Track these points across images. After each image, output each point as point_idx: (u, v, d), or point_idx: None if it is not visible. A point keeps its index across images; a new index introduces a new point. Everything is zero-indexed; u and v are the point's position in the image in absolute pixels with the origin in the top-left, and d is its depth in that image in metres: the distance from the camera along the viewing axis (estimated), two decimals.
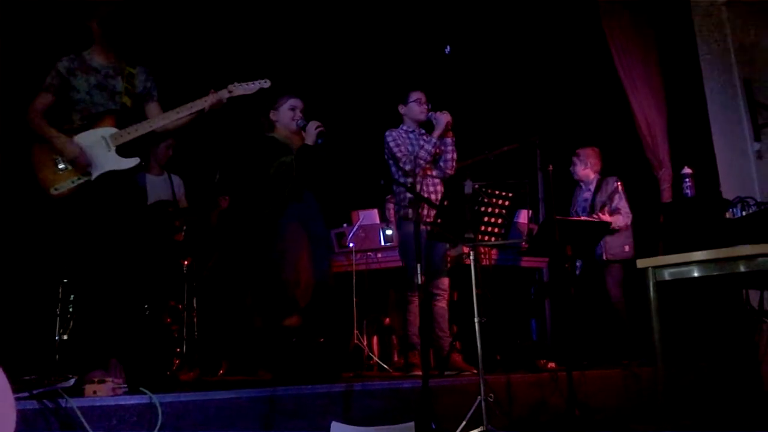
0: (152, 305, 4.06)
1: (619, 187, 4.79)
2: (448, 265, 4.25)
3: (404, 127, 4.30)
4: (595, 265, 4.89)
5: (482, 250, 4.50)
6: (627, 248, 4.85)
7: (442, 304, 4.10)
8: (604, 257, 4.83)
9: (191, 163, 5.10)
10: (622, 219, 4.81)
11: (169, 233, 4.48)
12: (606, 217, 4.72)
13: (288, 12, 5.81)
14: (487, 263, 4.68)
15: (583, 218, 4.80)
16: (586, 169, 5.04)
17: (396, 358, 5.17)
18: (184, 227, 4.55)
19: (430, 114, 4.20)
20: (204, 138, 4.94)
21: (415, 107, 4.26)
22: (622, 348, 4.59)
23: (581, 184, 5.11)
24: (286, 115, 3.90)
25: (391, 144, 4.15)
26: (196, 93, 3.24)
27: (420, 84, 4.40)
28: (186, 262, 4.71)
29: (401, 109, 4.33)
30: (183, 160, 4.85)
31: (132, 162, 3.08)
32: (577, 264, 4.99)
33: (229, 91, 3.21)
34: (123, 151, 3.07)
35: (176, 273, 4.56)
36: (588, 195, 5.00)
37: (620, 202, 4.86)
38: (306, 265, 3.66)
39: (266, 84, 3.28)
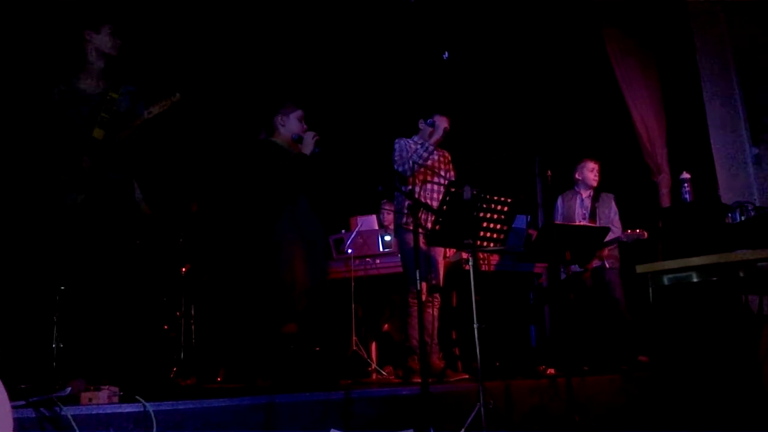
0: (150, 312, 4.05)
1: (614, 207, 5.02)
2: (442, 272, 4.25)
3: (415, 138, 4.31)
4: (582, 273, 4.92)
5: (481, 256, 4.49)
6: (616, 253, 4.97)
7: (431, 310, 4.11)
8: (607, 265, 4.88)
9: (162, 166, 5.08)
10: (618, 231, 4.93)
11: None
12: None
13: (288, 19, 5.81)
14: (486, 269, 4.66)
15: (583, 224, 4.81)
16: (596, 179, 5.08)
17: (394, 365, 5.14)
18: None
19: (429, 121, 4.21)
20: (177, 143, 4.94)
21: (427, 131, 4.25)
22: (625, 352, 4.58)
23: (581, 192, 5.11)
24: (295, 124, 3.91)
25: (396, 149, 4.20)
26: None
27: (426, 92, 4.36)
28: (184, 270, 4.69)
29: (420, 123, 4.33)
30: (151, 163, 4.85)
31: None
32: (562, 269, 5.00)
33: (149, 113, 3.28)
34: None
35: (174, 280, 4.55)
36: (588, 203, 5.02)
37: (615, 218, 5.02)
38: (301, 269, 3.64)
39: (176, 98, 3.30)
